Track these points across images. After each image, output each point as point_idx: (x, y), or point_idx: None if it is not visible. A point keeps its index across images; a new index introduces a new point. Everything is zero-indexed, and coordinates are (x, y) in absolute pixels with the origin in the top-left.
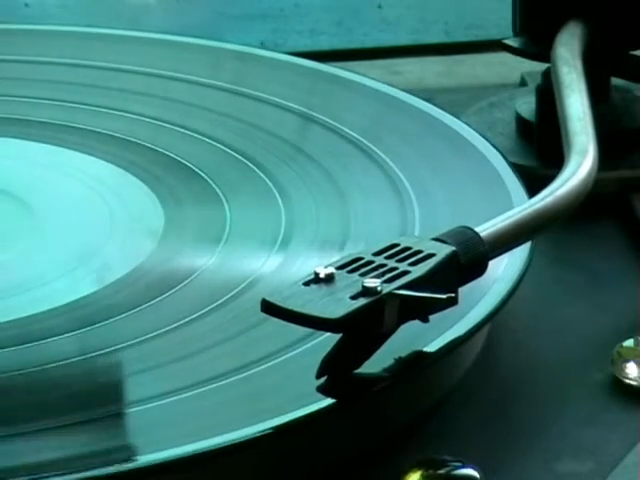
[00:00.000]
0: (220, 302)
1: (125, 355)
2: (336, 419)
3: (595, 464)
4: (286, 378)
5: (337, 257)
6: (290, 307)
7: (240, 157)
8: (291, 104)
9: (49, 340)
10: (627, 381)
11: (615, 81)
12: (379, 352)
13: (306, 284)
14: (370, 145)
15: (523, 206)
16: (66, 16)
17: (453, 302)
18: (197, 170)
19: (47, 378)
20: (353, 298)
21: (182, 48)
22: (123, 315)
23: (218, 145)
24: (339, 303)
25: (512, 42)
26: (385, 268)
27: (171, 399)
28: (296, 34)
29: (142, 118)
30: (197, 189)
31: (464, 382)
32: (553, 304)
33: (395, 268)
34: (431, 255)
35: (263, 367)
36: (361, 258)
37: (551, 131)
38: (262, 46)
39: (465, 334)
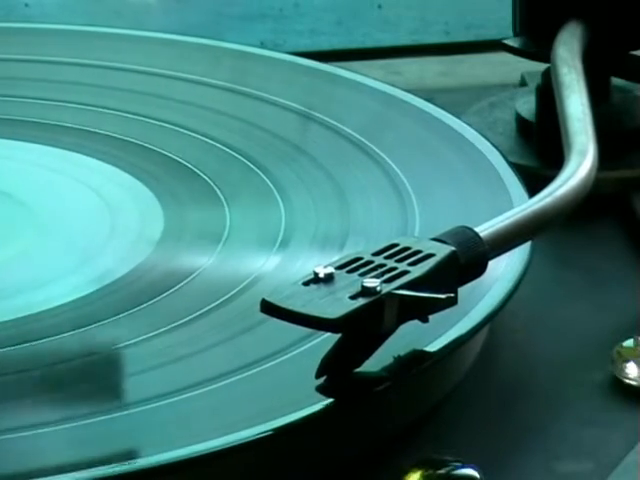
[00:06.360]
0: (219, 302)
1: (124, 356)
2: (336, 419)
3: (595, 464)
4: (286, 378)
5: (337, 257)
6: (289, 307)
7: (240, 157)
8: (291, 103)
9: (49, 340)
10: (627, 381)
11: (615, 81)
12: (379, 352)
13: (305, 284)
14: (370, 145)
15: (523, 206)
16: (66, 16)
17: (452, 302)
18: (196, 170)
19: (46, 378)
20: (352, 298)
21: (182, 47)
22: (122, 315)
23: (218, 145)
24: (338, 303)
25: (512, 42)
26: (384, 268)
27: (170, 400)
28: (296, 34)
29: (142, 118)
30: (197, 189)
31: (464, 382)
32: (553, 304)
33: (394, 268)
34: (430, 255)
35: (262, 367)
36: (360, 258)
37: (551, 131)
38: (262, 46)
39: (465, 334)
